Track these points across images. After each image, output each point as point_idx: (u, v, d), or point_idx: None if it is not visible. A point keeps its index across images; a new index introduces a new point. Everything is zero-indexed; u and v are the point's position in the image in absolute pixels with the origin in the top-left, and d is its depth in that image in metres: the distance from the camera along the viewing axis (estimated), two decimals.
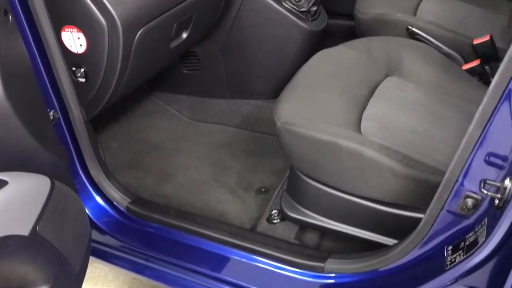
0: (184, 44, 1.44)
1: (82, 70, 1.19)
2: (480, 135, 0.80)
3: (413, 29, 1.59)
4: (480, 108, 0.79)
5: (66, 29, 1.13)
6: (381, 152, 1.08)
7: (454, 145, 1.19)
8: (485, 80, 1.46)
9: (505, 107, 0.76)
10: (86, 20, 1.10)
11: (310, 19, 1.63)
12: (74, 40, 1.15)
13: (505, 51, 1.53)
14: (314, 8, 1.62)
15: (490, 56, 1.55)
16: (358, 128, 1.19)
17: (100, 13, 1.09)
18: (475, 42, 1.55)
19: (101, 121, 1.76)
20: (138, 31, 1.16)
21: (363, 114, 1.25)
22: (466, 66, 1.47)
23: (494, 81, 0.76)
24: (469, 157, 0.83)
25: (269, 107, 1.82)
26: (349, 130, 1.17)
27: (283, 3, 1.61)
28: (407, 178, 1.07)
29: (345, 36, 2.10)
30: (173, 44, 1.38)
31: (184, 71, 1.83)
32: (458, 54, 1.57)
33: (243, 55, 1.71)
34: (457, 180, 0.86)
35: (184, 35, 1.41)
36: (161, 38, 1.29)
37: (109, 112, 1.72)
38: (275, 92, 1.82)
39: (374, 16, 1.70)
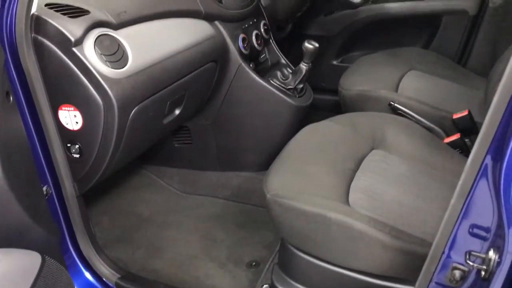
0: (176, 120, 1.49)
1: (77, 146, 1.22)
2: (462, 207, 0.83)
3: (395, 104, 1.67)
4: (461, 181, 0.83)
5: (63, 108, 1.18)
6: (370, 225, 1.10)
7: (440, 217, 1.22)
8: (466, 153, 1.52)
9: (483, 179, 0.80)
10: (84, 99, 1.15)
11: (297, 96, 1.71)
12: (71, 118, 1.19)
13: (481, 125, 1.62)
14: (301, 86, 1.70)
15: (469, 130, 1.62)
16: (346, 200, 1.22)
17: (97, 93, 1.14)
18: (455, 116, 1.63)
19: (92, 194, 1.77)
20: (132, 110, 1.21)
21: (351, 186, 1.28)
22: (447, 140, 1.53)
23: (471, 154, 0.80)
24: (453, 229, 0.85)
25: (258, 179, 1.86)
26: (338, 202, 1.19)
27: (271, 81, 1.69)
28: (396, 250, 1.08)
29: (330, 110, 2.20)
30: (166, 120, 1.43)
31: (176, 145, 1.88)
32: (439, 128, 1.64)
33: (234, 130, 1.77)
34: (443, 252, 0.88)
35: (177, 112, 1.47)
36: (154, 115, 1.34)
37: (100, 185, 1.73)
38: (265, 164, 1.87)
39: (358, 93, 1.79)
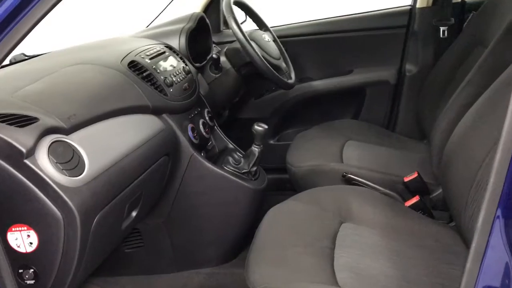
0: (133, 222, 1.37)
1: (31, 271, 1.06)
2: (479, 271, 0.81)
3: (349, 175, 1.69)
4: (474, 243, 0.81)
5: (13, 229, 1.03)
6: None
7: (428, 283, 1.22)
8: (428, 213, 1.56)
9: (497, 238, 0.80)
10: (39, 216, 1.01)
11: (253, 179, 1.67)
12: (23, 239, 1.03)
13: (432, 185, 1.67)
14: (254, 168, 1.67)
15: (421, 191, 1.67)
16: (335, 282, 1.16)
17: (56, 206, 1.01)
18: (406, 179, 1.68)
19: None
20: (94, 219, 1.09)
21: (334, 266, 1.24)
22: (408, 203, 1.56)
23: (482, 214, 0.79)
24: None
25: (221, 273, 1.74)
26: (329, 286, 1.14)
27: (225, 167, 1.64)
28: None
29: (278, 189, 2.18)
30: (124, 225, 1.31)
31: (126, 250, 1.72)
32: (393, 192, 1.68)
33: (190, 224, 1.67)
34: None
35: (134, 214, 1.35)
36: (115, 221, 1.22)
37: None
38: (226, 256, 1.77)
39: (309, 168, 1.79)
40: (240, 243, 1.77)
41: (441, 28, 2.11)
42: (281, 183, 2.18)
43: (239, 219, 1.67)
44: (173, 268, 1.74)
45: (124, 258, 1.73)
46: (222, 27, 2.34)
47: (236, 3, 1.85)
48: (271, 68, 1.75)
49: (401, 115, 2.28)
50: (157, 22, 2.16)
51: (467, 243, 1.35)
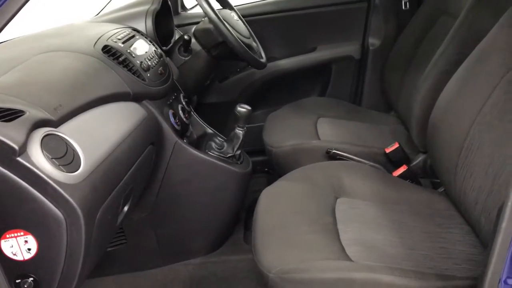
0: (124, 218, 1.29)
1: (30, 280, 0.96)
2: None
3: (334, 151, 1.68)
4: (510, 202, 0.82)
5: (7, 236, 0.92)
6: (395, 274, 1.04)
7: (431, 248, 1.24)
8: (416, 181, 1.59)
9: None
10: (38, 218, 0.91)
11: (238, 163, 1.62)
12: (20, 246, 0.93)
13: (411, 154, 1.70)
14: (239, 152, 1.62)
15: (402, 161, 1.70)
16: (347, 256, 1.15)
17: (56, 206, 0.91)
18: (387, 150, 1.70)
19: None
20: (97, 215, 1.00)
21: (341, 240, 1.23)
22: (396, 173, 1.58)
23: None
24: (507, 253, 0.84)
25: (211, 262, 1.69)
26: (343, 261, 1.12)
27: (209, 152, 1.58)
28: None
29: (256, 172, 2.14)
30: (119, 220, 1.22)
31: (108, 249, 1.62)
32: (377, 164, 1.69)
33: (175, 215, 1.59)
34: (500, 280, 0.86)
35: (126, 209, 1.27)
36: (113, 217, 1.13)
37: None
38: (214, 244, 1.72)
39: (290, 148, 1.77)
40: (228, 229, 1.72)
41: (403, 0, 2.14)
42: (254, 166, 2.15)
43: (227, 204, 1.62)
44: (160, 263, 1.66)
45: (106, 258, 1.62)
46: (180, 9, 2.25)
47: None
48: (246, 48, 1.70)
49: (367, 89, 2.30)
50: (111, 7, 2.03)
51: (458, 207, 1.39)
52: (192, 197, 1.57)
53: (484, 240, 1.21)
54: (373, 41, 2.24)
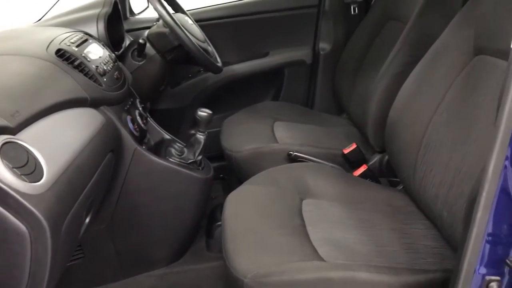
0: (84, 231, 1.22)
1: None
2: (489, 219, 0.85)
3: (295, 153, 1.69)
4: (484, 192, 0.84)
5: None
6: (371, 271, 1.05)
7: (399, 244, 1.27)
8: (376, 180, 1.62)
9: (505, 184, 0.84)
10: None
11: (199, 168, 1.59)
12: None
13: (367, 154, 1.74)
14: (200, 157, 1.59)
15: (360, 161, 1.74)
16: (320, 257, 1.15)
17: (19, 219, 0.84)
18: (345, 151, 1.73)
19: None
20: (62, 228, 0.94)
21: (312, 241, 1.23)
22: (357, 173, 1.61)
23: (491, 163, 0.82)
24: (482, 243, 0.86)
25: (173, 272, 1.64)
26: (317, 261, 1.12)
27: (170, 159, 1.54)
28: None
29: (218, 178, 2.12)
30: (80, 233, 1.16)
31: None
32: (337, 165, 1.72)
33: (135, 225, 1.53)
34: (474, 271, 0.89)
35: (87, 221, 1.20)
36: (77, 229, 1.07)
37: None
38: (177, 253, 1.67)
39: (251, 152, 1.76)
40: (190, 237, 1.68)
41: (352, 6, 2.20)
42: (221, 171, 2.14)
43: (189, 212, 1.57)
44: (120, 276, 1.59)
45: (62, 275, 1.53)
46: (128, 14, 2.18)
47: None
48: (203, 51, 1.67)
49: (319, 92, 2.34)
50: (54, 12, 1.94)
51: (418, 203, 1.43)
52: (153, 206, 1.52)
53: (446, 234, 1.25)
54: (324, 46, 2.29)
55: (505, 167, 0.82)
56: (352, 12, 2.22)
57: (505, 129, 0.79)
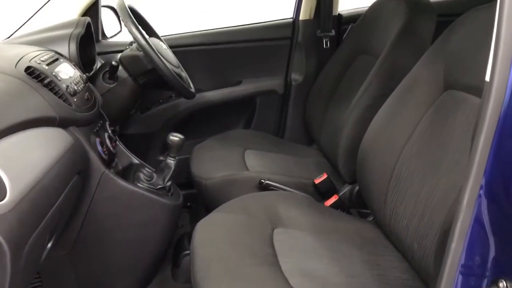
0: (45, 257, 1.15)
1: None
2: (463, 249, 0.85)
3: (266, 181, 1.67)
4: (459, 222, 0.85)
5: None
6: None
7: (370, 275, 1.26)
8: (347, 211, 1.62)
9: (478, 219, 0.84)
10: None
11: (169, 194, 1.55)
12: None
13: (337, 185, 1.75)
14: (169, 183, 1.55)
15: (331, 191, 1.74)
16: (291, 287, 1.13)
17: None
18: (316, 181, 1.73)
19: None
20: (23, 252, 0.88)
21: (283, 272, 1.20)
22: (328, 203, 1.60)
23: (466, 195, 0.83)
24: (456, 273, 0.86)
25: None
26: None
27: (138, 184, 1.49)
28: None
29: (185, 207, 2.08)
30: (42, 258, 1.09)
31: None
32: (308, 195, 1.71)
33: (99, 252, 1.47)
34: None
35: (49, 246, 1.14)
36: (38, 254, 1.01)
37: None
38: (142, 283, 1.61)
39: (222, 179, 1.74)
40: (156, 266, 1.62)
41: (324, 39, 2.24)
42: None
43: (156, 240, 1.52)
44: None
45: None
46: (100, 36, 2.16)
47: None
48: (177, 77, 1.66)
49: (290, 122, 2.36)
50: (24, 30, 1.90)
51: (388, 235, 1.43)
52: (118, 233, 1.46)
53: (416, 266, 1.26)
54: (296, 77, 2.32)
55: (480, 196, 0.83)
56: (324, 46, 2.26)
57: (480, 159, 0.81)
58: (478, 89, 1.12)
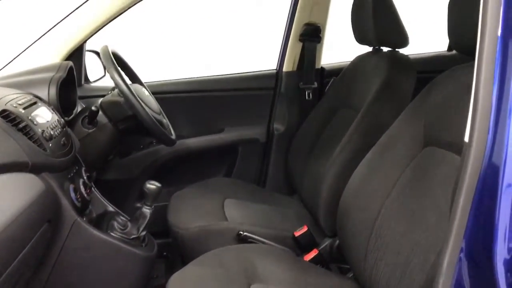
0: None
1: None
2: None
3: (245, 233, 1.63)
4: (439, 286, 0.82)
5: None
6: None
7: None
8: (326, 266, 1.58)
9: (459, 283, 0.82)
10: None
11: (143, 245, 1.49)
12: None
13: (318, 238, 1.72)
14: (144, 233, 1.50)
15: (310, 244, 1.70)
16: None
17: None
18: (296, 234, 1.70)
19: None
20: None
21: None
22: (308, 257, 1.56)
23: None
24: None
25: None
26: None
27: (111, 233, 1.44)
28: None
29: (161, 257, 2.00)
30: None
31: None
32: (287, 248, 1.67)
33: None
34: None
35: None
36: None
37: None
38: None
39: (198, 229, 1.69)
40: None
41: (306, 91, 2.27)
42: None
43: None
44: None
45: None
46: (83, 81, 2.15)
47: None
48: (157, 123, 1.64)
49: (271, 172, 2.34)
50: (6, 72, 1.88)
51: None
52: (88, 285, 1.39)
53: None
54: (278, 126, 2.32)
55: (460, 259, 0.81)
56: (307, 98, 2.28)
57: (460, 222, 0.79)
58: (458, 147, 1.12)
